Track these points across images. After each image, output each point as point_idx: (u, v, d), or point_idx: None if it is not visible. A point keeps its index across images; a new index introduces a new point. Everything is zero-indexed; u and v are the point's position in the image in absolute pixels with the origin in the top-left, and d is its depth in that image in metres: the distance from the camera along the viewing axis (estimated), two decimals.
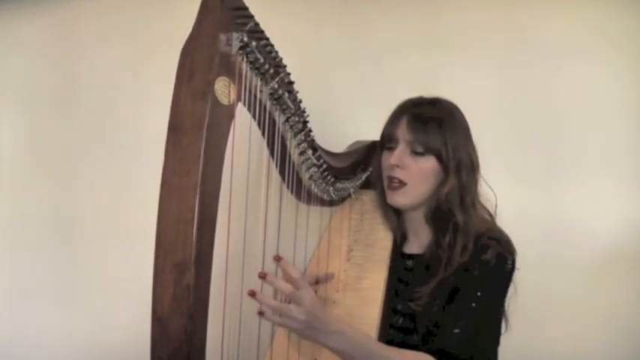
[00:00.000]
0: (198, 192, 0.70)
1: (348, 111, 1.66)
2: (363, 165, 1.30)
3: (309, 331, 0.86)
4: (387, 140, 1.17)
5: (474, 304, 1.01)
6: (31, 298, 1.92)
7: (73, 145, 1.89)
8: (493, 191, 1.16)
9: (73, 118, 1.89)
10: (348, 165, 1.23)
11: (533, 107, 1.57)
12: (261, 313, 0.83)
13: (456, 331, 0.99)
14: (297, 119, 0.97)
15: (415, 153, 1.12)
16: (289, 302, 0.84)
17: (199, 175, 0.70)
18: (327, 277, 1.18)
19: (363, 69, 1.68)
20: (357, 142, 1.36)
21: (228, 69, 0.77)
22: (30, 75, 1.93)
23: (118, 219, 1.83)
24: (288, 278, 0.85)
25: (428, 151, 1.11)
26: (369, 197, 1.31)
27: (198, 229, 0.70)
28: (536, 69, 1.56)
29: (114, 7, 1.85)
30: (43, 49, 1.92)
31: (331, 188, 1.16)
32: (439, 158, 1.11)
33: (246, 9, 0.80)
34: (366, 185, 1.31)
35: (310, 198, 1.14)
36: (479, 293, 1.01)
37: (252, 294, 0.81)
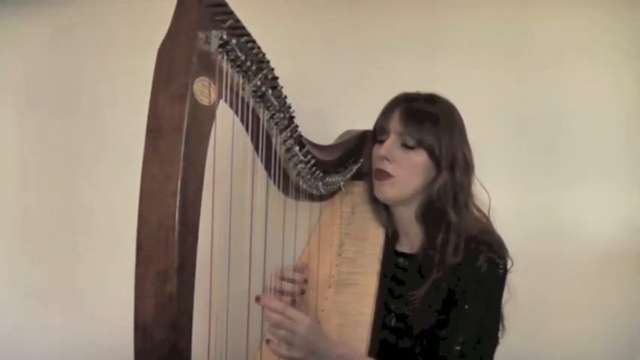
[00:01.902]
0: (178, 198, 0.68)
1: (339, 106, 1.63)
2: (354, 157, 1.26)
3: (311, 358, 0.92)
4: (379, 132, 1.14)
5: (471, 317, 1.00)
6: (31, 298, 1.91)
7: (74, 146, 1.88)
8: (487, 192, 1.13)
9: (74, 119, 1.87)
10: (338, 157, 1.19)
11: (531, 108, 1.54)
12: (268, 341, 0.91)
13: (457, 348, 0.99)
14: (282, 116, 0.94)
15: (406, 146, 1.08)
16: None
17: (179, 180, 0.68)
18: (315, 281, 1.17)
19: (356, 66, 1.64)
20: (348, 132, 1.31)
21: (208, 68, 0.74)
22: (31, 76, 1.91)
23: (118, 219, 1.81)
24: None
25: (419, 144, 1.07)
26: (360, 189, 1.27)
27: (179, 235, 0.68)
28: (535, 70, 1.53)
29: (115, 9, 1.82)
30: (43, 51, 1.89)
31: (320, 183, 1.13)
32: (431, 153, 1.07)
33: (226, 5, 0.77)
34: (357, 177, 1.27)
35: (298, 194, 1.11)
36: (475, 305, 1.01)
37: (258, 299, 0.90)
